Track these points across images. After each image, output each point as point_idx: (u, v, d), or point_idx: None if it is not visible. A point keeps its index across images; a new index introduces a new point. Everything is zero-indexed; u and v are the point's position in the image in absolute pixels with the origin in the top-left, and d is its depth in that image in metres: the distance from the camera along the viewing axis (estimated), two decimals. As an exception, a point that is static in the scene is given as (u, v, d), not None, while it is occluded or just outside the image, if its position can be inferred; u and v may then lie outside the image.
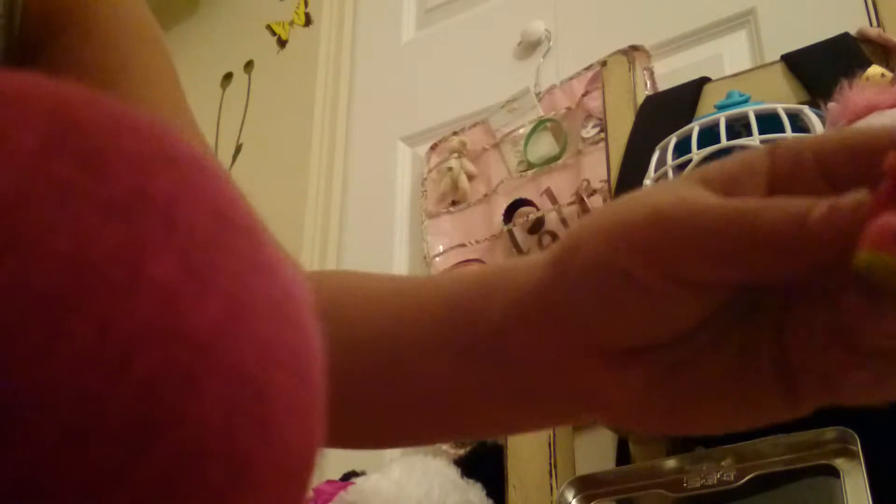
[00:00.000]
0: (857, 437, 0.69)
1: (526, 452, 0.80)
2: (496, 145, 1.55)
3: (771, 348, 0.27)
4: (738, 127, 0.98)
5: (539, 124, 1.50)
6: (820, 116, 0.92)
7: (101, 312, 0.18)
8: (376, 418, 0.39)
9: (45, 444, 0.17)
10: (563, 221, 1.41)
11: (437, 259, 1.53)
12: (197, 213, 0.20)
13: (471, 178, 1.56)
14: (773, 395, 0.27)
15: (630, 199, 0.28)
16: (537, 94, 1.53)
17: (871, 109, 0.82)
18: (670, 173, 0.98)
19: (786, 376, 0.27)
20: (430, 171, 1.62)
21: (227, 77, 2.10)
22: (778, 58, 1.15)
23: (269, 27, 2.07)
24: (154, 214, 0.19)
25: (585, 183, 1.38)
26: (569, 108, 1.47)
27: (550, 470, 0.78)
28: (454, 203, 1.57)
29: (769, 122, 0.93)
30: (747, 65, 1.34)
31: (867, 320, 0.24)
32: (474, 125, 1.59)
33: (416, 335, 0.35)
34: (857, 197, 0.23)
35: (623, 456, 1.14)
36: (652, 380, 0.29)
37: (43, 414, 0.17)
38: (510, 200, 1.47)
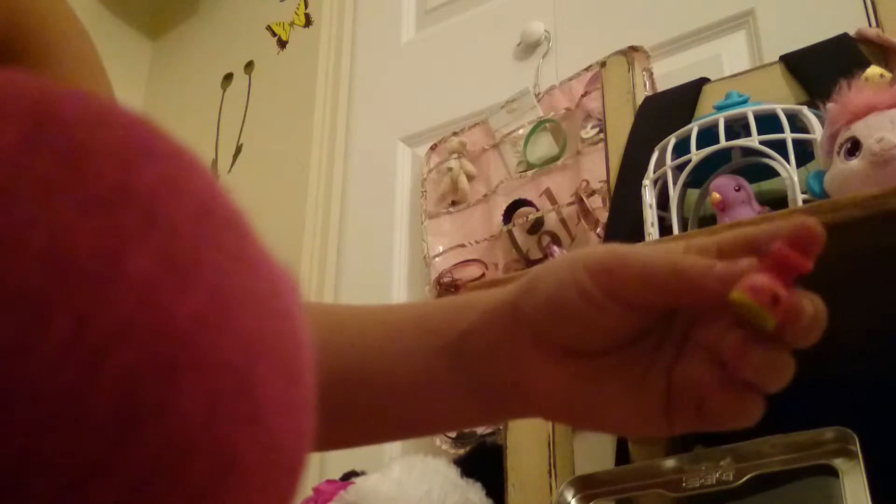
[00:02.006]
0: (856, 437, 0.69)
1: (525, 452, 0.80)
2: (496, 146, 1.55)
3: (665, 374, 0.36)
4: (738, 127, 0.98)
5: (538, 125, 1.50)
6: (819, 117, 0.92)
7: (79, 307, 0.18)
8: (346, 420, 0.42)
9: (25, 437, 0.17)
10: (563, 222, 1.42)
11: (437, 259, 1.53)
12: (179, 207, 0.20)
13: (470, 178, 1.56)
14: (657, 413, 0.36)
15: (583, 251, 0.38)
16: (537, 95, 1.54)
17: (869, 110, 0.82)
18: (669, 173, 0.98)
19: (668, 398, 0.35)
20: (429, 171, 1.62)
21: (228, 77, 2.10)
22: (777, 58, 1.15)
23: (269, 28, 2.07)
24: (134, 209, 0.19)
25: (585, 183, 1.38)
26: (568, 109, 1.47)
27: (550, 470, 0.78)
28: (454, 203, 1.57)
29: (768, 122, 0.93)
30: (746, 65, 1.34)
31: (739, 351, 0.33)
32: (474, 126, 1.60)
33: (400, 349, 0.41)
34: (742, 263, 0.34)
35: (622, 456, 1.14)
36: (575, 379, 0.37)
37: (21, 408, 0.17)
38: (510, 201, 1.47)
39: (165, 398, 0.19)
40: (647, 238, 0.99)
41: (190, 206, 0.21)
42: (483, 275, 1.47)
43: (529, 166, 1.49)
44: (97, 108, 0.21)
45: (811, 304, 0.37)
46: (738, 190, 0.92)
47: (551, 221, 1.43)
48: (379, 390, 0.41)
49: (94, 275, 0.18)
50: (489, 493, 1.13)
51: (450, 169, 1.56)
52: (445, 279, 1.50)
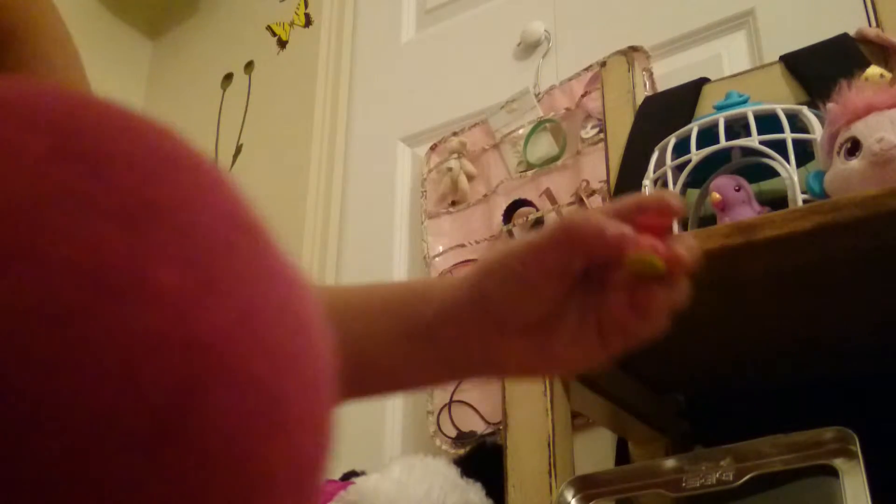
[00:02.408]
0: (856, 437, 0.69)
1: (526, 452, 0.80)
2: (496, 146, 1.55)
3: (595, 317, 0.46)
4: (738, 127, 0.98)
5: (538, 125, 1.50)
6: (819, 117, 0.92)
7: (109, 321, 0.18)
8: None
9: (62, 456, 0.17)
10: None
11: (437, 259, 1.53)
12: (205, 219, 0.20)
13: (470, 178, 1.56)
14: (595, 346, 0.48)
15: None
16: (537, 95, 1.54)
17: (869, 110, 0.82)
18: (669, 173, 0.98)
19: (600, 333, 0.47)
20: (429, 171, 1.62)
21: (228, 77, 2.10)
22: (777, 58, 1.15)
23: (269, 28, 2.07)
24: (162, 221, 0.19)
25: (585, 183, 1.38)
26: (568, 109, 1.47)
27: (550, 470, 0.78)
28: (454, 203, 1.57)
29: (768, 122, 0.93)
30: (746, 65, 1.34)
31: (642, 295, 0.45)
32: (474, 125, 1.60)
33: (378, 327, 0.47)
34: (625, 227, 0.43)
35: (622, 456, 1.14)
36: (531, 344, 0.46)
37: (55, 424, 0.17)
38: (510, 201, 1.47)
39: (195, 412, 0.19)
40: (647, 238, 0.99)
41: (215, 218, 0.21)
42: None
43: (529, 166, 1.49)
44: (123, 119, 0.21)
45: (685, 244, 0.46)
46: (738, 190, 0.92)
47: (551, 221, 1.43)
48: (359, 369, 0.45)
49: (123, 289, 0.18)
50: (489, 493, 1.13)
51: (450, 169, 1.56)
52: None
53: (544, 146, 1.49)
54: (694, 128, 0.97)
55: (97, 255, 0.18)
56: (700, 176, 0.99)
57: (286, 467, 0.20)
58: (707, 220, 1.01)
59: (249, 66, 2.07)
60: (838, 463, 0.70)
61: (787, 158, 0.89)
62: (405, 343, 0.46)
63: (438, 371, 0.48)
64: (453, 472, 1.13)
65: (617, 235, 0.42)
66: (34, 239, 0.18)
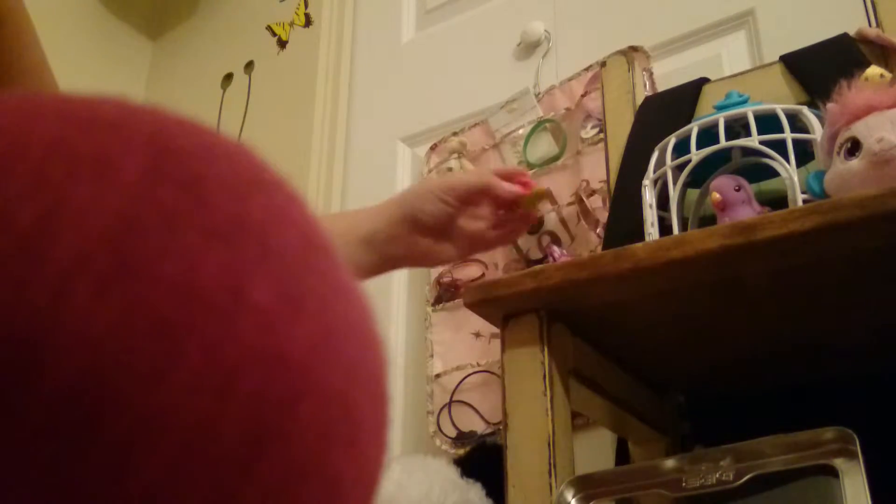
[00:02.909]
0: (856, 436, 0.69)
1: (525, 452, 0.80)
2: (496, 146, 1.55)
3: (470, 229, 0.85)
4: (738, 127, 0.98)
5: (538, 125, 1.50)
6: (819, 117, 0.92)
7: (209, 337, 0.18)
8: None
9: (161, 466, 0.18)
10: (563, 222, 1.42)
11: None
12: (287, 237, 0.21)
13: (470, 178, 1.56)
14: (469, 248, 0.86)
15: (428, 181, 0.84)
16: (537, 95, 1.54)
17: (869, 110, 0.82)
18: (669, 173, 0.98)
19: (472, 241, 0.85)
20: (429, 171, 1.62)
21: (228, 77, 2.10)
22: (777, 58, 1.15)
23: (269, 28, 2.07)
24: (250, 240, 0.20)
25: (585, 183, 1.38)
26: (568, 109, 1.47)
27: (550, 470, 0.78)
28: (454, 203, 1.57)
29: (768, 122, 0.93)
30: (746, 65, 1.34)
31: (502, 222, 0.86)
32: (474, 125, 1.60)
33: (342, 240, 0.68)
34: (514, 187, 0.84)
35: (622, 456, 1.14)
36: (434, 243, 0.82)
37: (159, 437, 0.18)
38: (510, 201, 1.47)
39: (285, 425, 0.19)
40: (647, 238, 0.99)
41: (296, 237, 0.21)
42: (483, 274, 1.47)
43: (529, 166, 1.48)
44: (208, 139, 0.22)
45: (543, 189, 0.87)
46: (738, 190, 0.92)
47: (551, 221, 1.43)
48: None
49: (221, 305, 0.18)
50: (489, 493, 1.13)
51: (450, 169, 1.56)
52: (445, 279, 1.50)
53: (544, 146, 1.49)
54: (694, 128, 0.97)
55: (196, 274, 0.18)
56: (700, 176, 0.99)
57: (359, 478, 0.21)
58: (707, 220, 1.01)
59: (249, 66, 2.07)
60: (838, 463, 0.70)
61: (787, 158, 0.89)
62: (356, 247, 0.75)
63: (374, 263, 0.78)
64: (453, 472, 1.13)
65: (513, 192, 0.84)
66: (137, 258, 0.18)
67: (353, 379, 0.21)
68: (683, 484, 0.75)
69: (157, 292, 0.18)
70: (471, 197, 0.83)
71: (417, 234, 0.81)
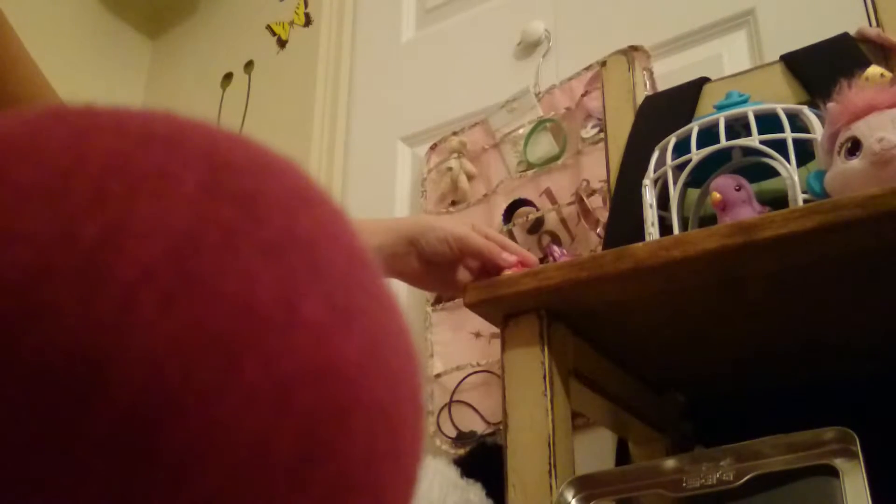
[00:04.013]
0: (856, 437, 0.69)
1: (526, 452, 0.80)
2: (496, 145, 1.55)
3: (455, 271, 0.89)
4: (738, 127, 0.98)
5: (539, 124, 1.50)
6: (819, 116, 0.92)
7: (265, 352, 0.18)
8: None
9: (219, 479, 0.18)
10: (563, 221, 1.41)
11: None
12: (334, 252, 0.21)
13: (470, 178, 1.56)
14: (452, 286, 0.90)
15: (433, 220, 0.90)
16: (537, 95, 1.53)
17: (870, 110, 0.82)
18: (669, 173, 0.98)
19: (453, 282, 0.90)
20: (429, 171, 1.61)
21: (227, 77, 2.10)
22: (777, 58, 1.15)
23: (269, 27, 2.07)
24: (301, 255, 0.20)
25: (585, 183, 1.38)
26: (568, 109, 1.47)
27: (550, 470, 0.78)
28: (454, 203, 1.57)
29: (768, 122, 0.93)
30: (747, 65, 1.34)
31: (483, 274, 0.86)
32: (474, 125, 1.59)
33: None
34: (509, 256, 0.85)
35: (622, 456, 1.14)
36: (427, 271, 0.88)
37: (219, 450, 0.18)
38: (510, 200, 1.47)
39: (337, 438, 0.19)
40: (647, 238, 0.99)
41: (341, 251, 0.22)
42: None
43: (529, 166, 1.48)
44: (259, 154, 0.22)
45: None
46: (738, 189, 0.92)
47: (551, 221, 1.43)
48: None
49: (277, 320, 0.19)
50: (489, 493, 1.13)
51: (450, 168, 1.56)
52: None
53: (544, 146, 1.49)
54: (694, 127, 0.97)
55: (253, 290, 0.19)
56: (700, 176, 0.99)
57: (401, 489, 0.21)
58: (707, 220, 1.01)
59: (249, 66, 2.07)
60: (838, 463, 0.70)
61: (787, 158, 0.89)
62: None
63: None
64: (453, 472, 1.13)
65: (510, 265, 0.87)
66: (198, 274, 0.18)
67: (397, 392, 0.21)
68: (684, 484, 0.75)
69: (217, 308, 0.18)
70: (474, 255, 0.88)
71: (414, 257, 0.87)
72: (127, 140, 0.20)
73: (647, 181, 1.02)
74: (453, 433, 1.39)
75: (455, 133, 1.61)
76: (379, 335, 0.21)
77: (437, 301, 1.50)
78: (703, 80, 1.21)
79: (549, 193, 1.44)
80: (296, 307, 0.19)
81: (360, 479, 0.20)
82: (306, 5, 2.03)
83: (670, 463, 0.78)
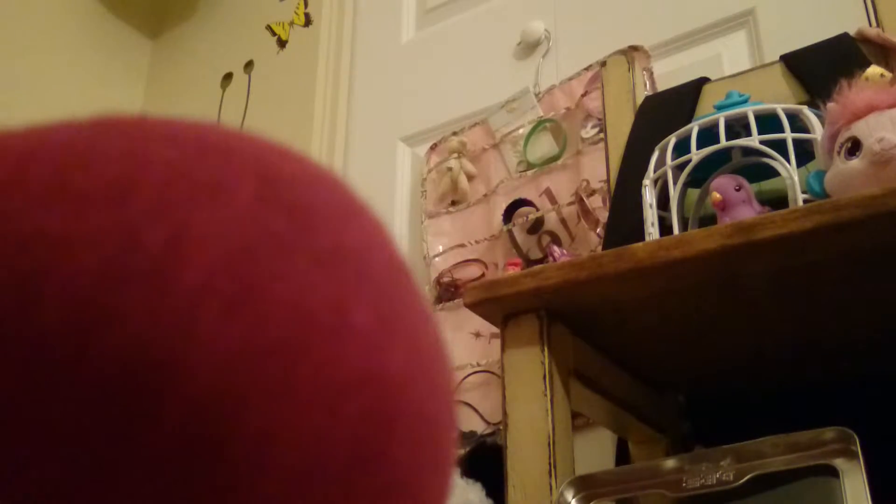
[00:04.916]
0: (856, 437, 0.69)
1: (526, 452, 0.80)
2: (496, 145, 1.55)
3: None
4: (738, 127, 0.98)
5: (538, 124, 1.50)
6: (819, 117, 0.92)
7: (319, 358, 0.19)
8: None
9: (278, 482, 0.18)
10: (563, 222, 1.42)
11: (437, 259, 1.53)
12: (379, 262, 0.22)
13: (470, 178, 1.56)
14: None
15: None
16: (537, 95, 1.53)
17: (870, 110, 0.82)
18: (669, 173, 0.98)
19: None
20: (429, 171, 1.62)
21: (227, 77, 2.10)
22: (777, 58, 1.15)
23: (269, 27, 2.07)
24: (349, 265, 0.21)
25: (585, 183, 1.38)
26: (568, 109, 1.47)
27: (550, 470, 0.78)
28: (454, 203, 1.57)
29: (768, 122, 0.93)
30: (747, 65, 1.34)
31: None
32: (474, 125, 1.59)
33: None
34: None
35: (622, 456, 1.14)
36: None
37: (278, 453, 0.18)
38: (510, 200, 1.47)
39: (385, 444, 0.20)
40: (647, 238, 0.99)
41: (385, 261, 0.22)
42: (483, 275, 1.47)
43: (529, 166, 1.48)
44: (306, 166, 0.23)
45: None
46: (738, 190, 0.92)
47: (551, 221, 1.43)
48: None
49: (329, 327, 0.19)
50: (489, 493, 1.13)
51: (450, 169, 1.56)
52: (445, 279, 1.50)
53: (544, 146, 1.49)
54: (694, 127, 0.97)
55: (307, 298, 0.19)
56: (700, 176, 0.99)
57: (439, 495, 0.22)
58: (707, 220, 1.01)
59: (249, 66, 2.07)
60: (838, 463, 0.70)
61: (787, 158, 0.89)
62: None
63: None
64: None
65: None
66: (256, 281, 0.19)
67: (436, 398, 0.22)
68: (684, 484, 0.75)
69: (274, 315, 0.19)
70: None
71: None
72: (183, 150, 0.20)
73: (647, 181, 1.02)
74: (453, 433, 1.39)
75: (455, 133, 1.61)
76: (420, 344, 0.22)
77: (437, 301, 1.50)
78: (703, 80, 1.21)
79: (549, 193, 1.44)
80: (346, 315, 0.20)
81: (405, 484, 0.20)
82: (306, 5, 2.03)
83: (670, 463, 0.78)
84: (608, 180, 1.22)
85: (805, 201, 0.85)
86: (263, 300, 0.19)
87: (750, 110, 0.95)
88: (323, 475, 0.19)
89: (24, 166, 0.19)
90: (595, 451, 1.21)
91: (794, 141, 0.91)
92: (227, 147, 0.21)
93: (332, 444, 0.19)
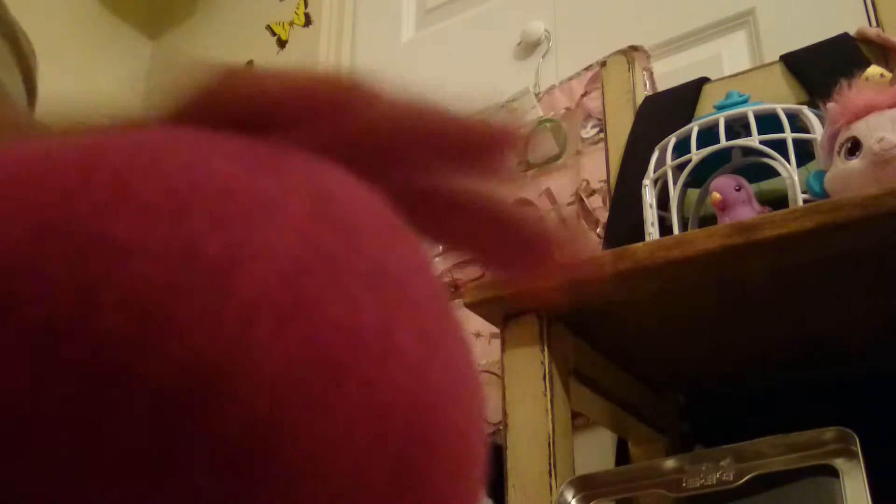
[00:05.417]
0: (856, 437, 0.69)
1: (525, 452, 0.80)
2: (496, 145, 1.55)
3: None
4: (738, 127, 0.98)
5: (539, 124, 1.50)
6: (819, 116, 0.92)
7: (366, 377, 0.19)
8: None
9: (324, 498, 0.18)
10: (563, 222, 1.41)
11: (437, 259, 1.53)
12: (419, 283, 0.22)
13: (470, 178, 1.56)
14: None
15: None
16: (537, 95, 1.53)
17: (870, 110, 0.82)
18: (669, 173, 0.98)
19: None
20: (429, 171, 1.62)
21: (227, 77, 2.10)
22: (777, 58, 1.15)
23: (269, 27, 2.07)
24: (393, 285, 0.21)
25: (585, 183, 1.38)
26: (568, 109, 1.47)
27: (550, 470, 0.78)
28: (454, 203, 1.57)
29: (768, 122, 0.93)
30: (746, 65, 1.34)
31: None
32: (474, 125, 1.59)
33: None
34: None
35: (622, 456, 1.14)
36: None
37: (325, 469, 0.18)
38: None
39: (425, 464, 0.20)
40: (647, 238, 0.99)
41: (424, 283, 0.22)
42: (483, 274, 1.47)
43: (529, 166, 1.48)
44: (352, 184, 0.23)
45: None
46: (738, 189, 0.92)
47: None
48: None
49: (374, 346, 0.20)
50: (489, 494, 1.13)
51: (450, 169, 1.56)
52: (445, 279, 1.50)
53: (544, 146, 1.49)
54: (694, 127, 0.97)
55: (354, 317, 0.20)
56: (700, 176, 0.99)
57: None
58: (707, 220, 1.01)
59: (249, 66, 2.07)
60: (838, 463, 0.70)
61: (787, 158, 0.89)
62: None
63: None
64: (453, 472, 1.13)
65: None
66: (307, 298, 0.19)
67: (471, 417, 0.22)
68: (684, 484, 0.75)
69: (323, 332, 0.19)
70: None
71: None
72: (237, 164, 0.21)
73: (647, 181, 1.02)
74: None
75: (455, 133, 1.61)
76: (457, 365, 0.22)
77: (437, 301, 1.50)
78: (703, 80, 1.21)
79: (549, 193, 1.44)
80: (391, 336, 0.20)
81: (442, 499, 0.21)
82: (306, 5, 2.03)
83: (670, 463, 0.78)
84: (608, 180, 1.22)
85: (805, 201, 0.85)
86: (315, 317, 0.19)
87: (750, 110, 0.95)
88: (367, 494, 0.19)
89: (88, 175, 0.19)
90: (595, 451, 1.21)
91: (794, 141, 0.91)
92: (278, 164, 0.22)
93: (378, 460, 0.19)
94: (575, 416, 0.89)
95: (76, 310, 0.18)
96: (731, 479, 0.73)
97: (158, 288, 0.18)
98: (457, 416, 0.21)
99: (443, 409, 0.21)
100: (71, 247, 0.18)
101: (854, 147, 0.81)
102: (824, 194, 0.84)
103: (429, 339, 0.21)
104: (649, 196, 1.01)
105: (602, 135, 1.32)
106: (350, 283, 0.20)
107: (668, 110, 1.18)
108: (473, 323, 1.41)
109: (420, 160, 0.27)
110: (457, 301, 1.44)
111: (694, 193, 1.05)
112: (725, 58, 1.40)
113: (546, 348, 0.83)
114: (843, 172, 0.82)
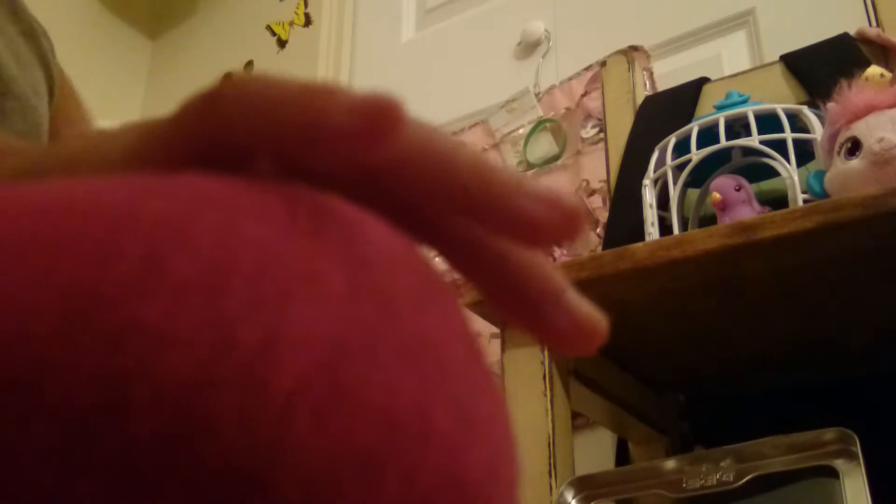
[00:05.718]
0: (856, 437, 0.69)
1: (525, 452, 0.80)
2: (496, 145, 1.55)
3: None
4: (738, 127, 0.98)
5: (538, 124, 1.50)
6: (819, 117, 0.92)
7: (405, 464, 0.18)
8: None
9: None
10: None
11: (437, 260, 1.53)
12: (456, 352, 0.21)
13: (470, 178, 1.56)
14: None
15: None
16: (537, 95, 1.53)
17: (869, 110, 0.82)
18: (669, 173, 0.98)
19: None
20: (429, 171, 1.62)
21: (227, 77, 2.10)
22: (777, 58, 1.15)
23: (269, 27, 2.07)
24: (431, 358, 0.20)
25: (585, 183, 1.38)
26: (568, 109, 1.47)
27: (550, 470, 0.78)
28: (454, 203, 1.57)
29: (768, 122, 0.93)
30: (746, 65, 1.34)
31: None
32: (474, 125, 1.59)
33: None
34: None
35: (622, 456, 1.14)
36: None
37: None
38: (510, 200, 1.47)
39: None
40: (647, 238, 0.99)
41: (462, 349, 0.21)
42: (483, 275, 1.48)
43: (529, 166, 1.48)
44: (388, 242, 0.21)
45: None
46: (738, 189, 0.92)
47: (551, 221, 1.43)
48: None
49: (414, 431, 0.18)
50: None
51: (450, 169, 1.56)
52: (446, 278, 1.50)
53: (544, 146, 1.49)
54: (694, 127, 0.97)
55: (394, 400, 0.18)
56: (700, 176, 0.99)
57: None
58: (707, 220, 1.01)
59: (249, 66, 2.07)
60: (838, 464, 0.70)
61: (787, 158, 0.89)
62: None
63: None
64: (453, 473, 1.13)
65: None
66: (347, 384, 0.18)
67: (509, 494, 0.22)
68: (684, 485, 0.75)
69: (363, 420, 0.18)
70: None
71: None
72: (273, 228, 0.19)
73: (647, 181, 1.02)
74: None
75: (455, 133, 1.61)
76: (496, 441, 0.21)
77: (437, 301, 1.50)
78: (703, 80, 1.21)
79: (548, 193, 1.44)
80: (430, 416, 0.19)
81: None
82: (306, 5, 2.03)
83: (670, 463, 0.78)
84: (608, 180, 1.22)
85: (805, 201, 0.85)
86: (354, 405, 0.18)
87: (750, 110, 0.95)
88: None
89: (117, 240, 0.17)
90: (595, 451, 1.21)
91: (794, 141, 0.91)
92: (315, 222, 0.20)
93: None
94: (575, 416, 0.89)
95: (107, 407, 0.16)
96: (732, 479, 0.73)
97: (192, 384, 0.17)
98: (496, 493, 0.21)
99: (483, 489, 0.20)
100: (101, 332, 0.17)
101: (854, 147, 0.81)
102: (824, 194, 0.84)
103: (468, 416, 0.20)
104: (649, 196, 1.01)
105: (602, 135, 1.32)
106: (388, 361, 0.19)
107: (668, 110, 1.18)
108: (473, 323, 1.41)
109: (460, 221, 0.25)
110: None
111: (694, 193, 1.05)
112: (725, 58, 1.40)
113: (546, 348, 0.83)
114: (843, 172, 0.82)
